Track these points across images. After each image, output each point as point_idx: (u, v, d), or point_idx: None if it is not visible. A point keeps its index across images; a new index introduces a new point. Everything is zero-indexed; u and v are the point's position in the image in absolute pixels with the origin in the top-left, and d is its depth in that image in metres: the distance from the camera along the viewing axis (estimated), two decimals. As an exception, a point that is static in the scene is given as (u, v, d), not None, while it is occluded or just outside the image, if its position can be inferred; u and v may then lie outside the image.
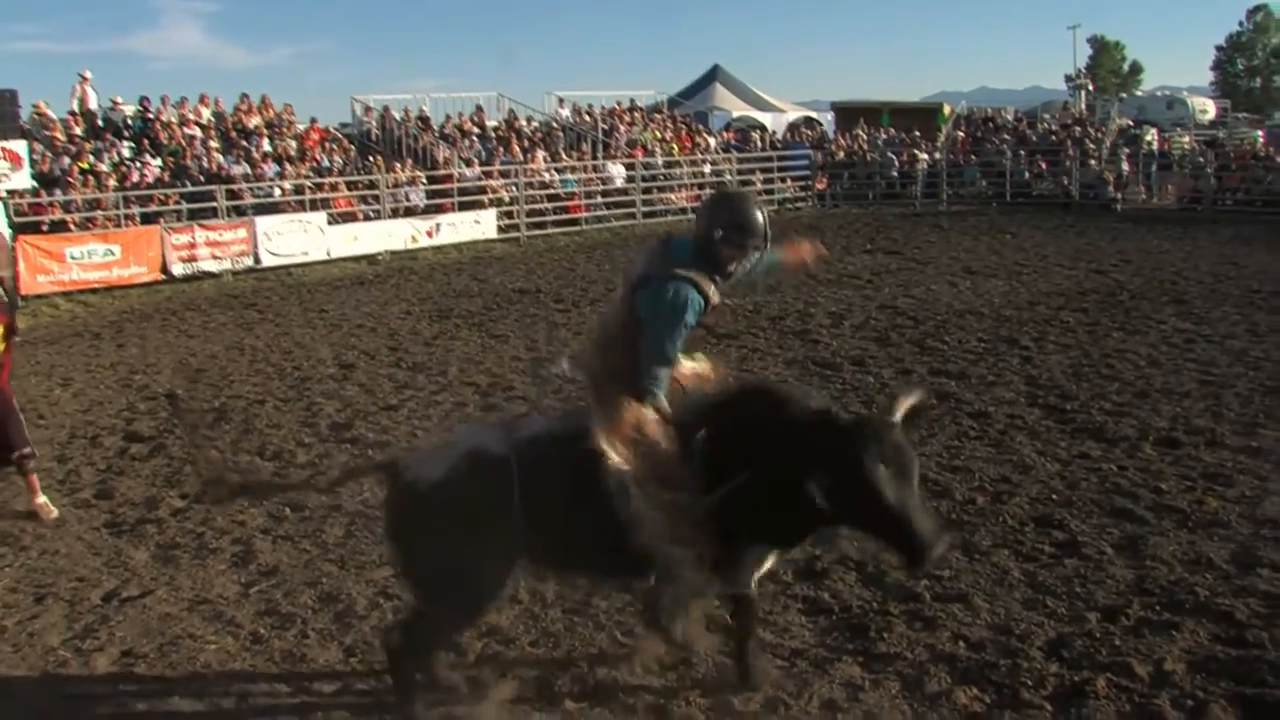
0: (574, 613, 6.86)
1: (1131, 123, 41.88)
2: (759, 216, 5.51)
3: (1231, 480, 8.91)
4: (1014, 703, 5.72)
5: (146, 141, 25.42)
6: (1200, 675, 5.90)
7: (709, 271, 5.43)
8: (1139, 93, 70.57)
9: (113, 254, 21.47)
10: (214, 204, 23.58)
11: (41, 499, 9.09)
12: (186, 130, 26.22)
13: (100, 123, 26.29)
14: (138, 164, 24.32)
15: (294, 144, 27.92)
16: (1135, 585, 7.00)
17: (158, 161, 24.66)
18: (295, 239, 23.85)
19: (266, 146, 27.02)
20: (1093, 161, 32.84)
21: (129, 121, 26.50)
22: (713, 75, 47.10)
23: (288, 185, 25.49)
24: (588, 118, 34.78)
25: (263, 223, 23.50)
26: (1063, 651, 6.19)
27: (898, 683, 5.92)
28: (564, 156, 31.65)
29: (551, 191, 29.84)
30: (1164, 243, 23.89)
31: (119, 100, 27.45)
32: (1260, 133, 41.30)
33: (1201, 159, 32.79)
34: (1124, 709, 5.62)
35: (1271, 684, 5.77)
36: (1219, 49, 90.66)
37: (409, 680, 5.73)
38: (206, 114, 27.73)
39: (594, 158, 32.36)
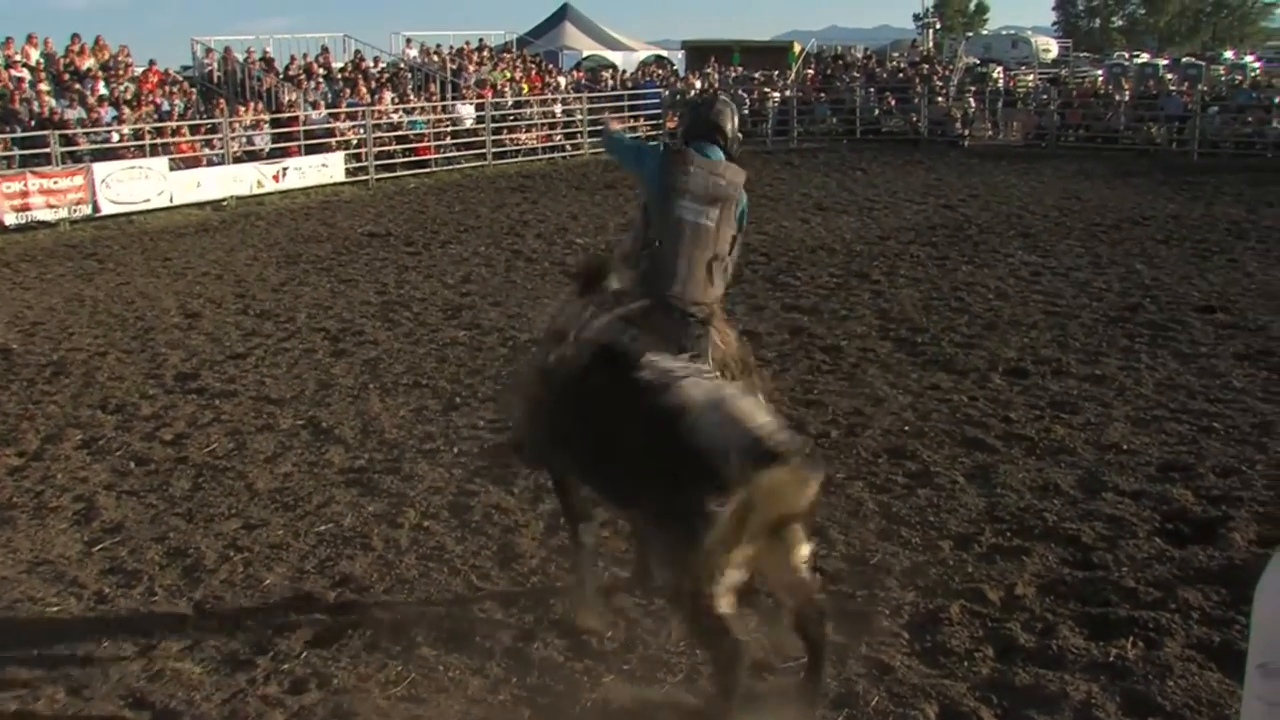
0: (429, 559, 6.77)
1: (978, 61, 42.63)
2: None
3: (1077, 408, 9.17)
4: (871, 631, 5.79)
5: (-32, 84, 24.17)
6: (1049, 598, 6.06)
7: None
8: (985, 32, 71.77)
9: (-63, 203, 20.45)
10: (47, 150, 22.55)
11: None
12: (13, 72, 25.02)
13: (-83, 64, 24.92)
14: (-40, 108, 23.14)
15: (132, 87, 26.83)
16: (986, 513, 7.15)
17: (-18, 105, 23.52)
18: (136, 186, 22.94)
19: (102, 90, 25.91)
20: (940, 99, 33.38)
21: (-52, 63, 25.16)
22: (562, 14, 46.76)
23: (126, 130, 24.51)
24: (436, 58, 34.10)
25: (101, 169, 22.55)
26: (917, 580, 6.29)
27: (755, 617, 5.95)
28: (412, 97, 31.10)
29: (400, 133, 29.26)
30: (1010, 178, 24.41)
31: (-65, 40, 26.00)
32: (1100, 71, 42.37)
33: (1045, 96, 33.55)
34: (977, 634, 5.73)
35: (1115, 603, 5.95)
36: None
37: None
38: (35, 55, 26.39)
39: (443, 98, 31.82)
